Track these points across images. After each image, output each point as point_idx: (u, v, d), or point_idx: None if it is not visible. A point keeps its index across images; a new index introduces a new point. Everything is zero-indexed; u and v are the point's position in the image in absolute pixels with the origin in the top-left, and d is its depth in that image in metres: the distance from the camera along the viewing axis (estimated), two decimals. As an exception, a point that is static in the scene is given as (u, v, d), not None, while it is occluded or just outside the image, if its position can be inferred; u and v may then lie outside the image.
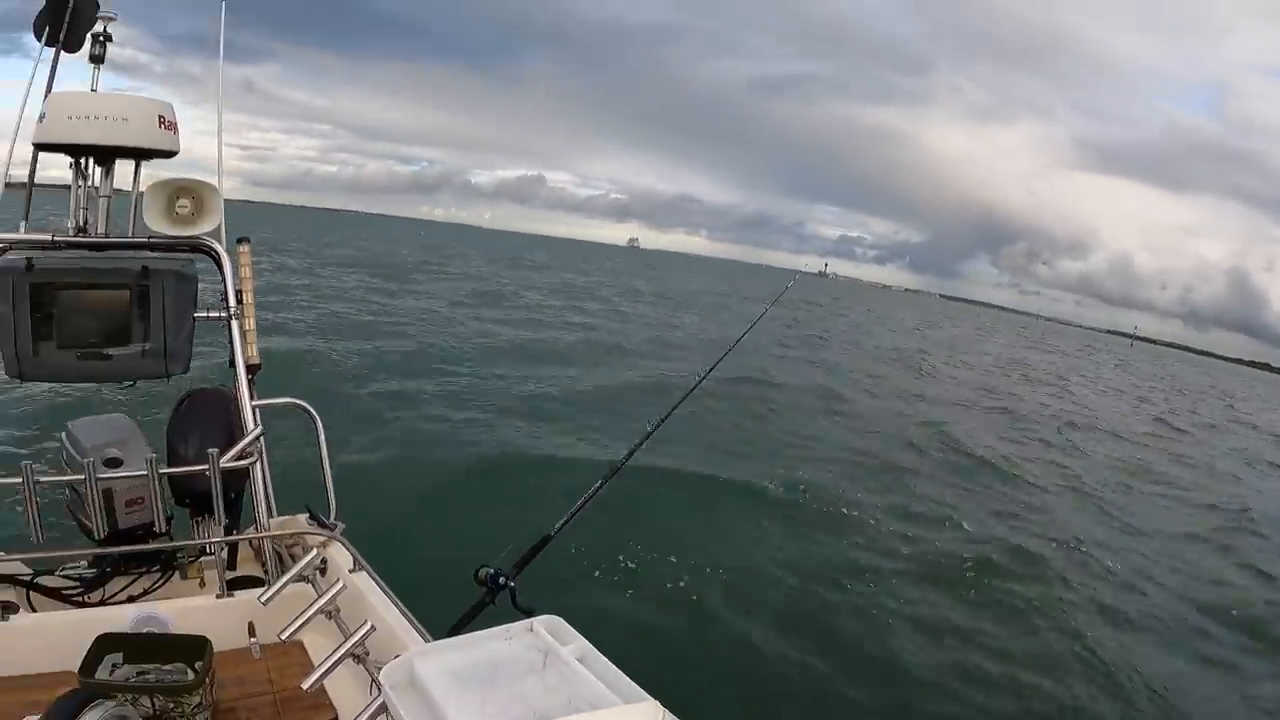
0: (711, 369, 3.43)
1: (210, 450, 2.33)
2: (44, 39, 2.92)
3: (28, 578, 2.55)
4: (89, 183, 2.69)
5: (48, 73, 2.89)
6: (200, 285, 2.73)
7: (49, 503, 2.44)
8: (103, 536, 2.44)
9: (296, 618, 1.81)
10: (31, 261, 2.52)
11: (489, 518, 6.12)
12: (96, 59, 2.84)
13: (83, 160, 2.69)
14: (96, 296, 2.60)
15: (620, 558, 6.01)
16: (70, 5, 2.88)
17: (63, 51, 2.92)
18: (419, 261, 40.56)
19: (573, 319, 23.33)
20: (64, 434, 2.82)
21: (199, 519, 2.71)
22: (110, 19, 2.86)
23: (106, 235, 2.68)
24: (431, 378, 11.85)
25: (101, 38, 2.85)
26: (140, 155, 2.70)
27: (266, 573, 2.60)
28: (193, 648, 1.97)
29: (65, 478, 2.55)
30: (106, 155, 2.67)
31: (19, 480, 2.19)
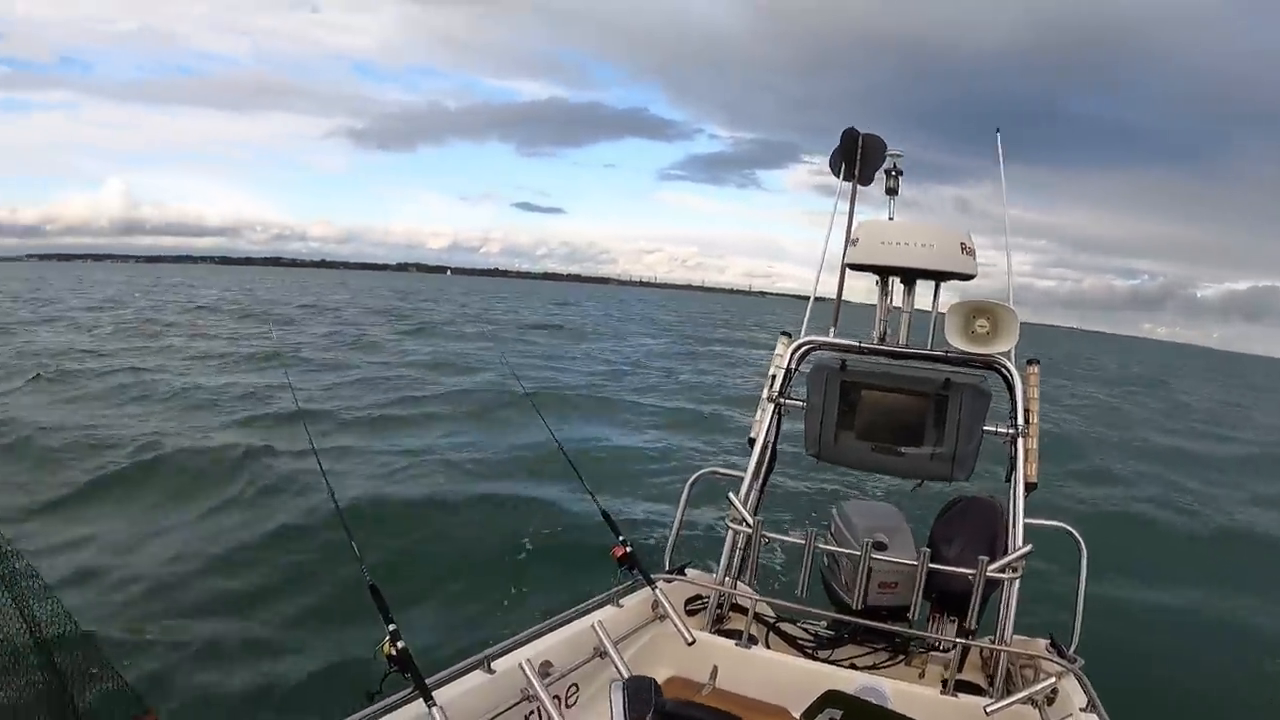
0: None
1: (980, 557, 2.55)
2: (841, 174, 3.34)
3: (771, 619, 3.05)
4: (891, 299, 3.09)
5: (848, 203, 3.33)
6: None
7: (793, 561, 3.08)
8: (856, 608, 2.78)
9: None
10: (845, 363, 3.02)
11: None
12: (891, 191, 3.22)
13: (888, 279, 3.08)
14: (898, 399, 2.96)
15: None
16: (860, 145, 3.28)
17: (858, 185, 3.32)
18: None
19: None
20: (836, 510, 3.24)
21: (937, 615, 2.94)
22: (898, 155, 3.23)
23: (906, 346, 3.04)
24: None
25: (893, 172, 3.22)
26: (941, 277, 3.01)
27: (991, 685, 2.65)
28: None
29: (837, 549, 2.93)
30: (910, 276, 3.05)
31: (802, 542, 2.77)
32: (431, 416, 12.26)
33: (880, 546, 2.79)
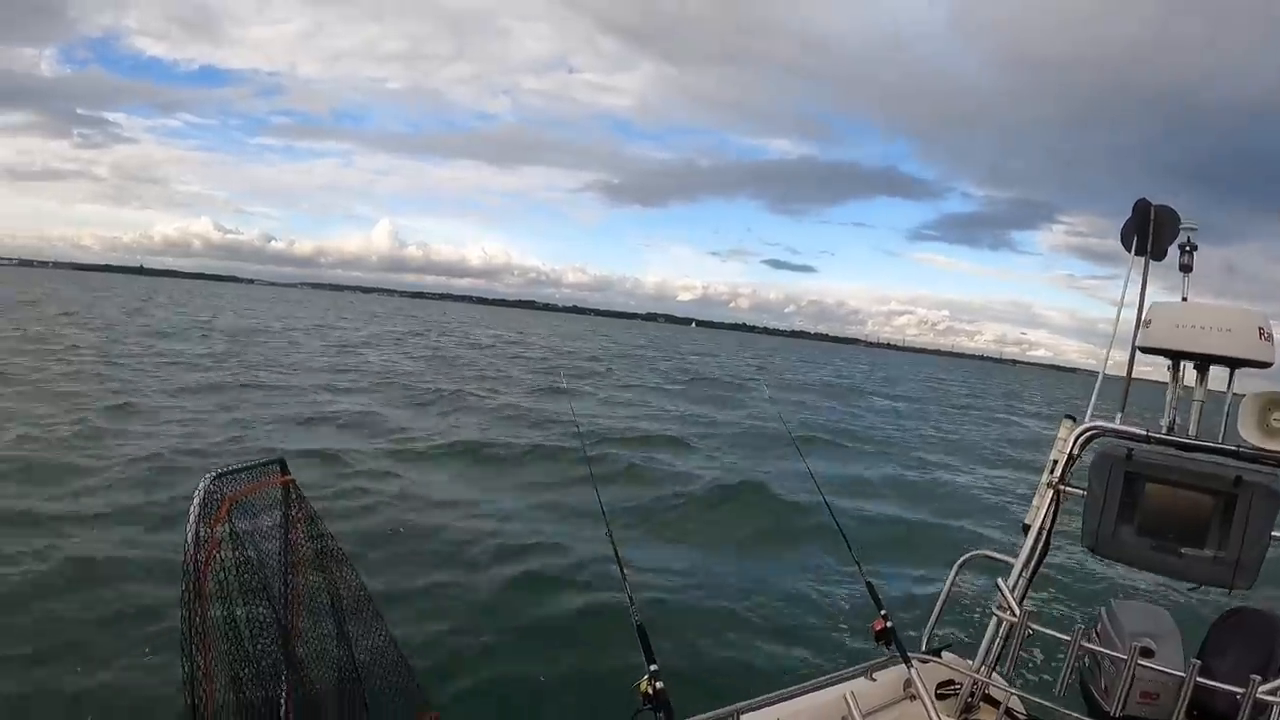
0: None
1: (1252, 676, 2.34)
2: (1133, 249, 3.14)
3: (1022, 716, 2.93)
4: (1181, 384, 2.93)
5: (1139, 281, 3.11)
6: None
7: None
8: (1113, 715, 2.59)
9: None
10: (1131, 452, 2.76)
11: None
12: (1185, 268, 3.04)
13: (1179, 364, 2.93)
14: (1183, 496, 2.70)
15: None
16: (1152, 218, 3.10)
17: (1151, 260, 3.12)
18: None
19: None
20: (1105, 609, 3.07)
21: None
22: (1193, 229, 3.05)
23: (1196, 437, 2.81)
24: None
25: (1187, 248, 3.05)
26: (1237, 364, 2.82)
27: None
28: None
29: (1101, 649, 2.73)
30: (1204, 363, 2.86)
31: (1067, 638, 2.58)
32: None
33: (1148, 653, 2.57)
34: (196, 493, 1.85)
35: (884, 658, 2.88)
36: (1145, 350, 2.98)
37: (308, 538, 2.39)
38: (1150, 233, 3.09)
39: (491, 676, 5.10)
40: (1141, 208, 3.13)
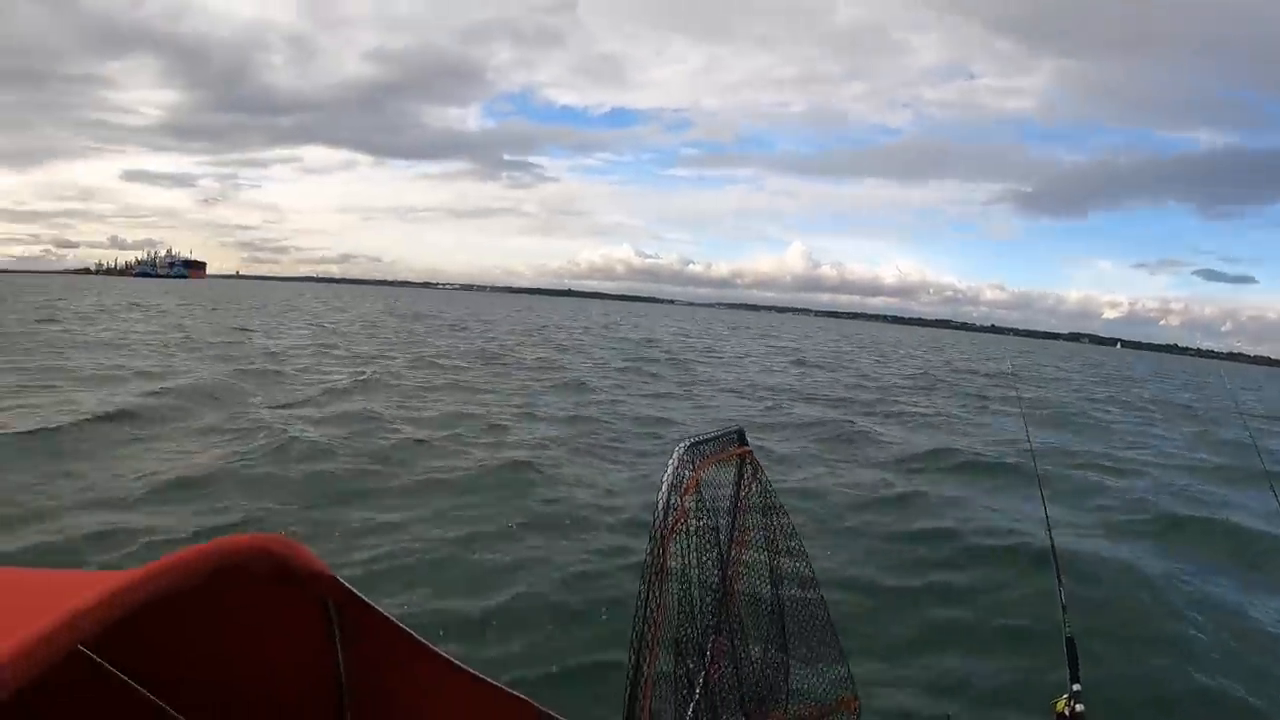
0: None
1: None
2: None
3: None
4: None
5: None
6: None
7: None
8: None
9: None
10: None
11: None
12: None
13: None
14: None
15: None
16: None
17: None
18: None
19: None
20: None
21: None
22: None
23: None
24: None
25: None
26: None
27: None
28: None
29: None
30: None
31: None
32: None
33: None
34: (670, 463, 1.90)
35: None
36: None
37: (760, 510, 2.39)
38: None
39: (904, 670, 4.93)
40: None
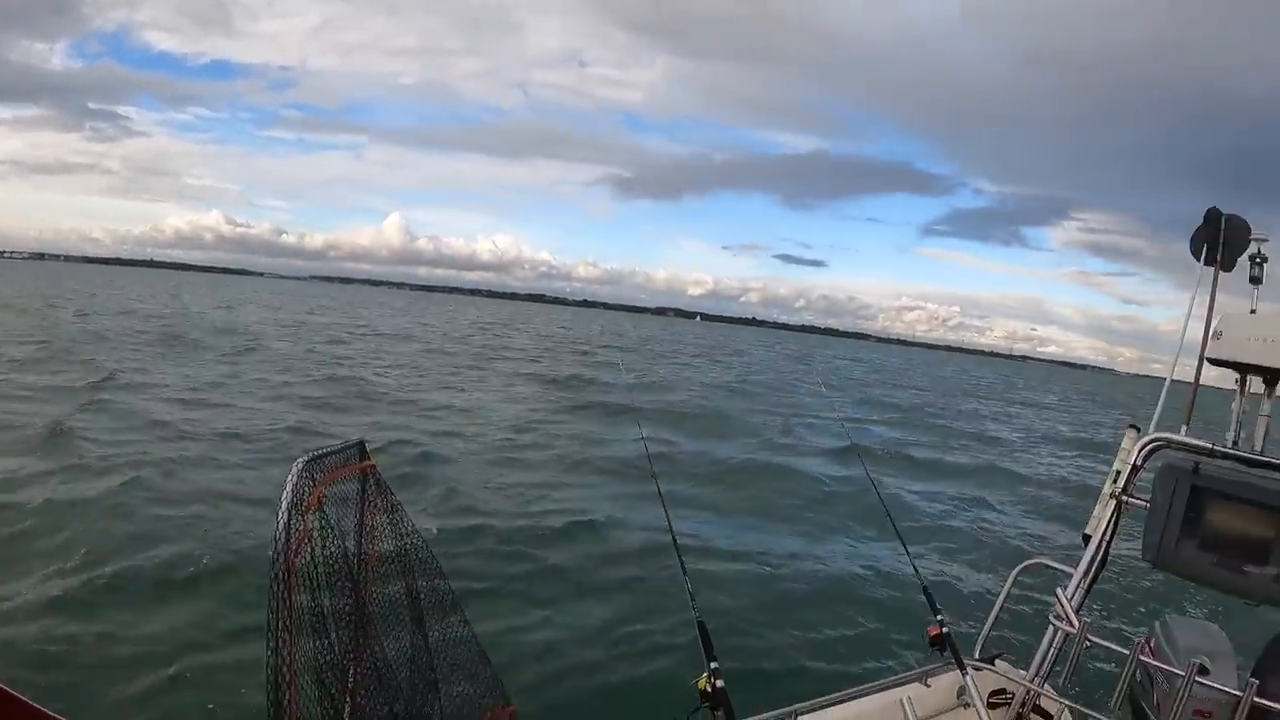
0: None
1: None
2: (1202, 259, 3.10)
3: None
4: (1247, 397, 2.90)
5: (1209, 290, 3.10)
6: None
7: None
8: None
9: None
10: (1199, 466, 2.74)
11: None
12: (1255, 280, 3.02)
13: (1246, 377, 2.90)
14: (1247, 512, 2.68)
15: None
16: (1222, 228, 3.05)
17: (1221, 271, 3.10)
18: None
19: None
20: (1159, 625, 2.97)
21: None
22: (1263, 240, 3.03)
23: (1260, 453, 2.79)
24: None
25: (1258, 259, 3.02)
26: None
27: None
28: None
29: (1159, 664, 2.64)
30: (1273, 376, 2.83)
31: (1125, 652, 2.52)
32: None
33: (1203, 671, 2.53)
34: (288, 480, 1.75)
35: (938, 664, 2.91)
36: (1214, 362, 2.96)
37: (388, 525, 2.30)
38: (1221, 243, 3.05)
39: (556, 671, 5.18)
40: (1213, 216, 3.08)
